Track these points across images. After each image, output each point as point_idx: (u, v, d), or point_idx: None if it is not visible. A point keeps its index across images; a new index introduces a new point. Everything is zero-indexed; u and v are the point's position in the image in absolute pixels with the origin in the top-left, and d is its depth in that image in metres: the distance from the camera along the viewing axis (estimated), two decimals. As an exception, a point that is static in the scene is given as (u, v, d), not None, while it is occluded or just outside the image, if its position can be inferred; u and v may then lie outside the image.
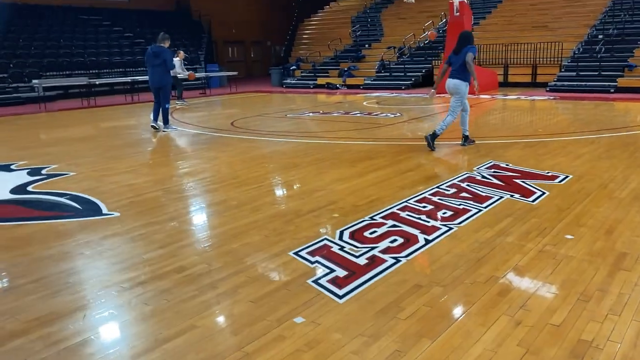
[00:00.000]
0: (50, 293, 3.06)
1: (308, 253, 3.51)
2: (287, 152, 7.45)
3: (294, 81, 21.41)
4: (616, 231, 3.76)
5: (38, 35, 19.77)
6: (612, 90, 14.10)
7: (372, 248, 3.55)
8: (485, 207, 4.38)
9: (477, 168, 5.79)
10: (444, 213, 4.27)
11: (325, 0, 27.89)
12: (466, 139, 7.15)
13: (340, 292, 2.93)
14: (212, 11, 25.80)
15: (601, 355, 2.29)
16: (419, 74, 18.69)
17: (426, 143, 6.96)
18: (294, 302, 2.85)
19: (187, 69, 15.24)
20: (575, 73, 15.42)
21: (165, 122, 9.64)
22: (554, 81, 15.49)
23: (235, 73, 20.72)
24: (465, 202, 4.53)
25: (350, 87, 19.30)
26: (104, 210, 4.69)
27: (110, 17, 22.75)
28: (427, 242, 3.65)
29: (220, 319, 2.76)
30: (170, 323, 2.68)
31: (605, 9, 18.01)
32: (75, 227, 4.28)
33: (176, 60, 14.25)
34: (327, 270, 3.22)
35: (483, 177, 5.40)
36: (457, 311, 2.75)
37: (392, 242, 3.66)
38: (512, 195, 4.70)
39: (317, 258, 3.42)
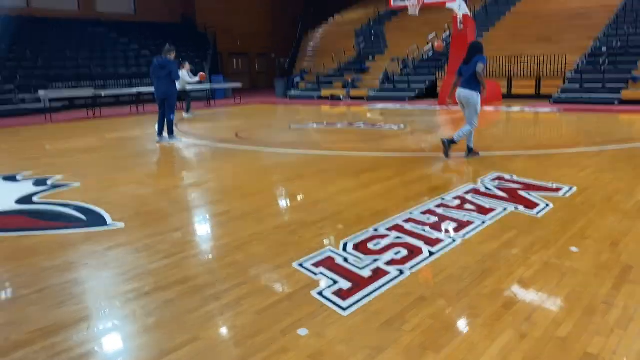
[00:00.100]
0: (54, 304, 3.06)
1: (312, 264, 3.51)
2: (291, 163, 7.47)
3: (298, 92, 21.51)
4: (621, 244, 3.74)
5: (45, 47, 19.97)
6: (616, 103, 14.11)
7: (376, 260, 3.54)
8: (490, 219, 4.37)
9: (482, 180, 5.78)
10: (448, 225, 4.27)
11: (330, 12, 28.08)
12: (470, 151, 7.15)
13: (344, 304, 2.92)
14: (218, 23, 26.04)
15: (607, 369, 2.27)
16: (423, 85, 18.75)
17: (442, 148, 7.04)
18: (297, 313, 2.85)
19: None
20: (579, 85, 15.44)
21: (170, 133, 9.68)
22: (558, 93, 15.51)
23: (239, 84, 20.84)
24: (470, 214, 4.52)
25: (354, 98, 19.37)
26: (109, 221, 4.70)
27: (117, 29, 22.97)
28: (431, 254, 3.64)
29: (224, 331, 2.76)
30: (174, 334, 2.67)
31: (609, 22, 18.07)
32: (80, 237, 4.29)
33: (182, 72, 14.33)
34: (331, 282, 3.22)
35: (487, 188, 5.39)
36: (462, 324, 2.74)
37: (396, 253, 3.65)
38: (516, 207, 4.69)
39: (321, 269, 3.41)
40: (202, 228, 4.70)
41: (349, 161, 7.39)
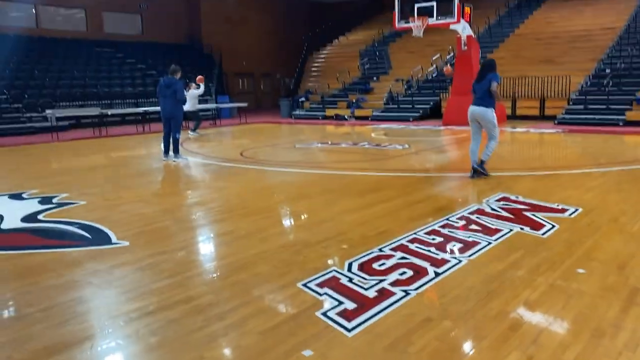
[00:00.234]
0: (58, 322, 3.05)
1: (317, 284, 3.49)
2: (296, 183, 7.48)
3: (302, 112, 21.63)
4: (628, 266, 3.72)
5: (52, 67, 20.21)
6: (620, 124, 14.11)
7: (381, 280, 3.52)
8: (495, 240, 4.35)
9: (487, 200, 5.77)
10: (453, 245, 4.25)
11: (334, 34, 28.36)
12: (474, 171, 7.15)
13: (349, 325, 2.90)
14: (223, 44, 26.33)
15: (616, 394, 2.24)
16: (427, 106, 18.83)
17: (476, 173, 7.05)
18: (302, 334, 2.83)
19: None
20: (583, 106, 15.47)
21: (176, 151, 9.73)
22: (562, 114, 15.54)
23: (245, 104, 20.99)
24: (475, 235, 4.51)
25: (358, 118, 19.45)
26: (114, 239, 4.70)
27: (124, 49, 23.24)
28: (437, 274, 3.62)
29: (228, 351, 2.74)
30: (178, 354, 2.66)
31: (612, 44, 18.18)
32: (84, 256, 4.29)
33: (191, 92, 14.52)
34: (336, 303, 3.20)
35: (493, 209, 5.38)
36: (468, 346, 2.71)
37: (401, 274, 3.63)
38: (522, 228, 4.67)
39: (326, 290, 3.40)
40: (207, 247, 4.70)
41: (353, 181, 7.40)
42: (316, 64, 26.63)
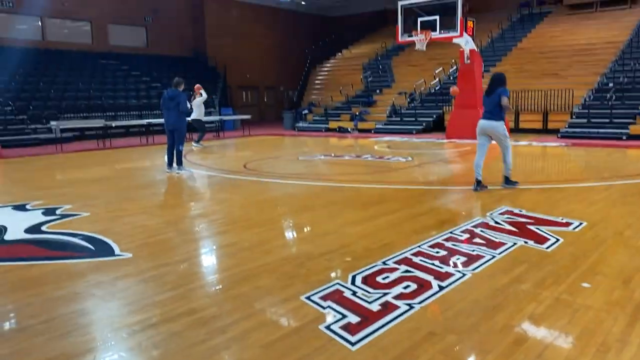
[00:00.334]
0: (60, 334, 3.04)
1: (320, 297, 3.47)
2: (299, 195, 7.48)
3: (306, 125, 21.69)
4: (634, 280, 3.69)
5: (58, 79, 20.35)
6: (624, 138, 14.10)
7: (385, 294, 3.50)
8: (499, 254, 4.33)
9: (490, 213, 5.75)
10: (457, 259, 4.23)
11: (338, 47, 28.53)
12: (478, 184, 7.14)
13: (353, 339, 2.88)
14: (228, 57, 26.50)
15: (623, 410, 2.21)
16: (430, 119, 18.87)
17: (479, 186, 7.09)
18: (305, 348, 2.81)
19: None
20: (586, 120, 15.47)
21: (179, 163, 9.75)
22: (566, 128, 15.54)
23: (248, 116, 21.08)
24: (479, 248, 4.49)
25: (361, 131, 19.49)
26: (117, 251, 4.70)
27: (129, 61, 23.42)
28: (441, 288, 3.60)
29: (231, 364, 2.72)
30: (180, 367, 2.64)
31: (615, 58, 18.23)
32: (87, 267, 4.29)
33: (196, 100, 14.78)
34: (339, 316, 3.18)
35: (496, 222, 5.36)
36: (473, 360, 2.69)
37: (405, 287, 3.61)
38: (526, 242, 4.65)
39: (329, 303, 3.38)
40: (209, 259, 4.69)
41: (356, 193, 7.39)
42: (319, 77, 26.77)
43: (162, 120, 10.50)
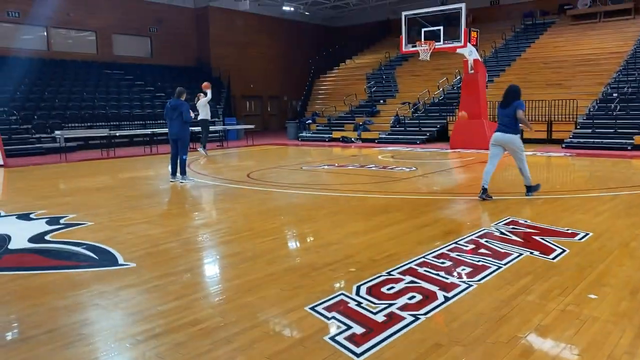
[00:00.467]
0: (63, 344, 3.02)
1: (324, 308, 3.45)
2: (303, 205, 7.46)
3: (309, 134, 21.72)
4: (641, 291, 3.66)
5: (63, 89, 20.47)
6: (629, 148, 14.06)
7: (390, 304, 3.48)
8: (505, 264, 4.31)
9: (495, 224, 5.73)
10: (462, 269, 4.20)
11: (341, 57, 28.63)
12: (484, 192, 7.11)
13: (358, 350, 2.85)
14: (232, 67, 26.60)
15: None
16: (434, 129, 18.86)
17: (484, 194, 7.11)
18: (309, 359, 2.78)
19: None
20: (591, 130, 15.45)
21: (183, 173, 9.77)
22: (570, 138, 15.52)
23: (252, 126, 21.12)
24: (485, 259, 4.46)
25: (365, 140, 19.50)
26: (120, 261, 4.69)
27: (133, 71, 23.54)
28: (447, 299, 3.58)
29: (235, 376, 2.70)
30: (184, 378, 2.62)
31: (619, 68, 18.23)
32: (91, 277, 4.28)
33: (201, 101, 15.05)
34: (344, 327, 3.16)
35: (501, 233, 5.34)
36: (479, 373, 2.66)
37: (410, 298, 3.59)
38: (531, 253, 4.62)
39: (334, 314, 3.35)
40: (213, 269, 4.67)
41: (360, 203, 7.38)
42: (323, 87, 26.84)
43: (166, 130, 10.54)
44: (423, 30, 15.64)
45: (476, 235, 5.28)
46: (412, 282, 3.92)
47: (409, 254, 4.63)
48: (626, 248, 4.76)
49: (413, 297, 3.61)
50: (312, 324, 3.23)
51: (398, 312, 3.36)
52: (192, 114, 9.96)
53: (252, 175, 10.63)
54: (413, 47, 15.93)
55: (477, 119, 15.49)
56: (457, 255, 4.60)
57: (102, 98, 20.82)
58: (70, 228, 6.04)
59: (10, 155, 14.53)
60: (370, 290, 3.75)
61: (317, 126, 22.56)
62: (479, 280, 3.95)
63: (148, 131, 17.92)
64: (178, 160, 9.75)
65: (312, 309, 3.45)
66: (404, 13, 16.09)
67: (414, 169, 11.28)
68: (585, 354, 2.79)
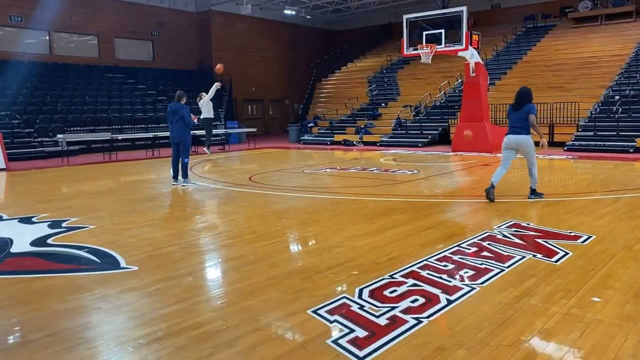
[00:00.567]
0: (65, 348, 3.01)
1: (327, 312, 3.44)
2: (305, 208, 7.45)
3: (311, 138, 21.71)
4: (645, 294, 3.64)
5: (65, 92, 20.48)
6: (631, 150, 14.03)
7: (393, 308, 3.46)
8: (508, 267, 4.29)
9: (498, 227, 5.71)
10: (465, 272, 4.19)
11: (343, 61, 28.65)
12: (492, 187, 7.16)
13: (361, 354, 2.84)
14: (233, 71, 26.61)
15: None
16: (436, 132, 18.85)
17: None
18: (312, 362, 2.77)
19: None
20: (592, 133, 15.43)
21: (185, 176, 9.77)
22: (572, 141, 15.49)
23: (253, 130, 21.11)
24: (487, 262, 4.45)
25: (367, 144, 19.49)
26: (122, 264, 4.68)
27: (135, 75, 23.58)
28: (450, 302, 3.56)
29: (237, 379, 2.68)
30: (186, 382, 2.61)
31: (621, 71, 18.21)
32: (92, 280, 4.27)
33: (203, 100, 15.24)
34: (347, 330, 3.14)
35: (504, 236, 5.32)
36: (483, 376, 2.64)
37: (413, 301, 3.57)
38: (534, 255, 4.61)
39: (336, 317, 3.34)
40: (215, 272, 4.66)
41: (362, 206, 7.36)
42: (325, 90, 26.85)
43: (167, 133, 10.56)
44: (424, 33, 15.65)
45: (479, 238, 5.26)
46: (414, 285, 3.90)
47: (411, 257, 4.62)
48: (629, 251, 4.74)
49: (416, 300, 3.60)
50: (315, 327, 3.22)
51: (401, 315, 3.35)
52: (195, 118, 9.96)
53: (254, 179, 10.62)
54: (414, 50, 15.94)
55: (479, 122, 15.47)
56: (460, 258, 4.58)
57: (104, 102, 20.84)
58: (72, 231, 6.04)
59: (12, 159, 14.55)
60: (372, 294, 3.74)
61: (319, 129, 22.56)
62: (482, 283, 3.93)
63: (150, 135, 17.94)
64: (179, 164, 9.75)
65: (315, 312, 3.43)
66: (405, 16, 16.11)
67: (415, 171, 11.26)
68: (589, 357, 2.77)
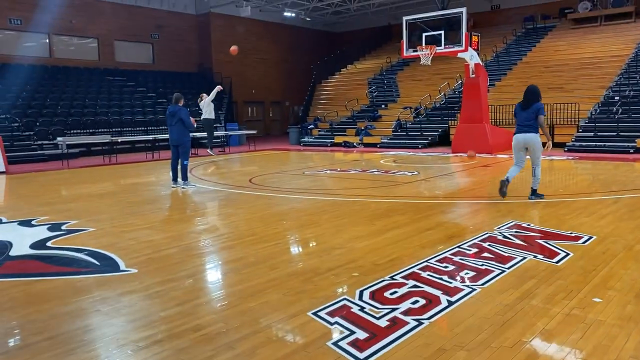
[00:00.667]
0: (65, 351, 3.00)
1: (327, 313, 3.43)
2: (305, 209, 7.44)
3: (311, 139, 21.71)
4: (646, 295, 3.63)
5: (65, 95, 20.50)
6: (631, 151, 14.02)
7: (393, 309, 3.45)
8: (509, 268, 4.28)
9: (498, 228, 5.70)
10: (466, 274, 4.18)
11: (343, 63, 28.67)
12: (507, 181, 7.21)
13: (361, 356, 2.83)
14: (233, 73, 26.64)
15: None
16: (436, 133, 18.84)
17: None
18: (313, 364, 2.76)
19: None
20: (593, 134, 15.42)
21: (184, 178, 9.76)
22: (572, 141, 15.48)
23: (254, 132, 21.12)
24: (488, 263, 4.44)
25: (367, 145, 19.48)
26: (122, 267, 4.67)
27: (135, 78, 23.59)
28: (450, 303, 3.55)
29: (237, 382, 2.67)
30: (186, 385, 2.60)
31: (620, 71, 18.21)
32: (92, 283, 4.26)
33: (204, 101, 15.33)
34: (347, 332, 3.13)
35: (505, 237, 5.31)
36: (484, 378, 2.63)
37: (413, 303, 3.56)
38: (535, 256, 4.60)
39: (337, 319, 3.33)
40: (215, 274, 4.65)
41: (363, 207, 7.36)
42: (325, 92, 26.86)
43: (167, 136, 10.56)
44: (424, 34, 15.65)
45: (479, 239, 5.25)
46: (415, 286, 3.89)
47: (412, 258, 4.61)
48: (630, 251, 4.73)
49: (416, 301, 3.59)
50: (315, 329, 3.21)
51: (401, 316, 3.34)
52: (194, 120, 9.96)
53: (254, 181, 10.62)
54: (414, 51, 15.94)
55: (478, 123, 15.47)
56: (461, 259, 4.57)
57: (104, 104, 20.86)
58: (72, 234, 6.03)
59: (12, 162, 14.54)
60: (373, 295, 3.73)
61: (319, 131, 22.56)
62: (483, 284, 3.92)
63: (150, 137, 17.93)
64: (179, 166, 9.75)
65: (315, 314, 3.43)
66: (405, 18, 16.11)
67: (416, 173, 11.25)
68: (590, 358, 2.76)
